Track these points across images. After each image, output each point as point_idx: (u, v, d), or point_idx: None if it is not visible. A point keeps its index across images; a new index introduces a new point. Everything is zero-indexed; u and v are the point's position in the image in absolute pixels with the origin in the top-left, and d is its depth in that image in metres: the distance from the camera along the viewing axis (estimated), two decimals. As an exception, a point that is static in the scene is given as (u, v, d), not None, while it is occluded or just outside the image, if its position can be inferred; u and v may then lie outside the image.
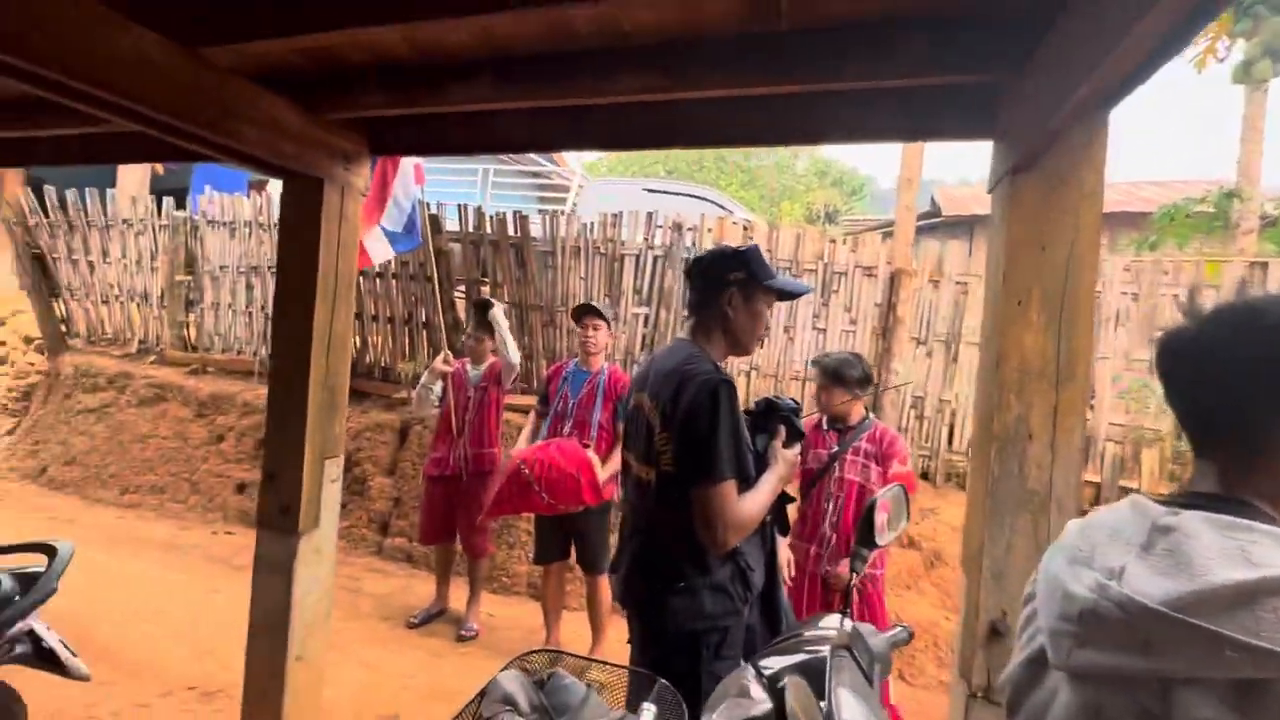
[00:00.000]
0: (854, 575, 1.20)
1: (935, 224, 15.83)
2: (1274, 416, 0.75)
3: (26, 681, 1.83)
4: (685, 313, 1.77)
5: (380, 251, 3.67)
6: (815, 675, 0.89)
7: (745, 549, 1.56)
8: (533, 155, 8.54)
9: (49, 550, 1.79)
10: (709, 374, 1.49)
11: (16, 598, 1.60)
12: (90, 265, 6.36)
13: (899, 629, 1.21)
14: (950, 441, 4.44)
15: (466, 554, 3.73)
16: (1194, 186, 6.07)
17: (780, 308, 4.67)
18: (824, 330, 4.58)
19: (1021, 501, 1.38)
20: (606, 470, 3.11)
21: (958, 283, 4.42)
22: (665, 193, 6.00)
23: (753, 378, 4.66)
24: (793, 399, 1.77)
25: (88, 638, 1.91)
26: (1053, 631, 0.82)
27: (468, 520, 3.61)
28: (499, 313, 3.61)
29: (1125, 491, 3.99)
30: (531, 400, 3.82)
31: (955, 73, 1.43)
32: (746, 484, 1.51)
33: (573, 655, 1.31)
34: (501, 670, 1.20)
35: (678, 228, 4.74)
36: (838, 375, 2.53)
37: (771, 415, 1.69)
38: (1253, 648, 0.63)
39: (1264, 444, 0.76)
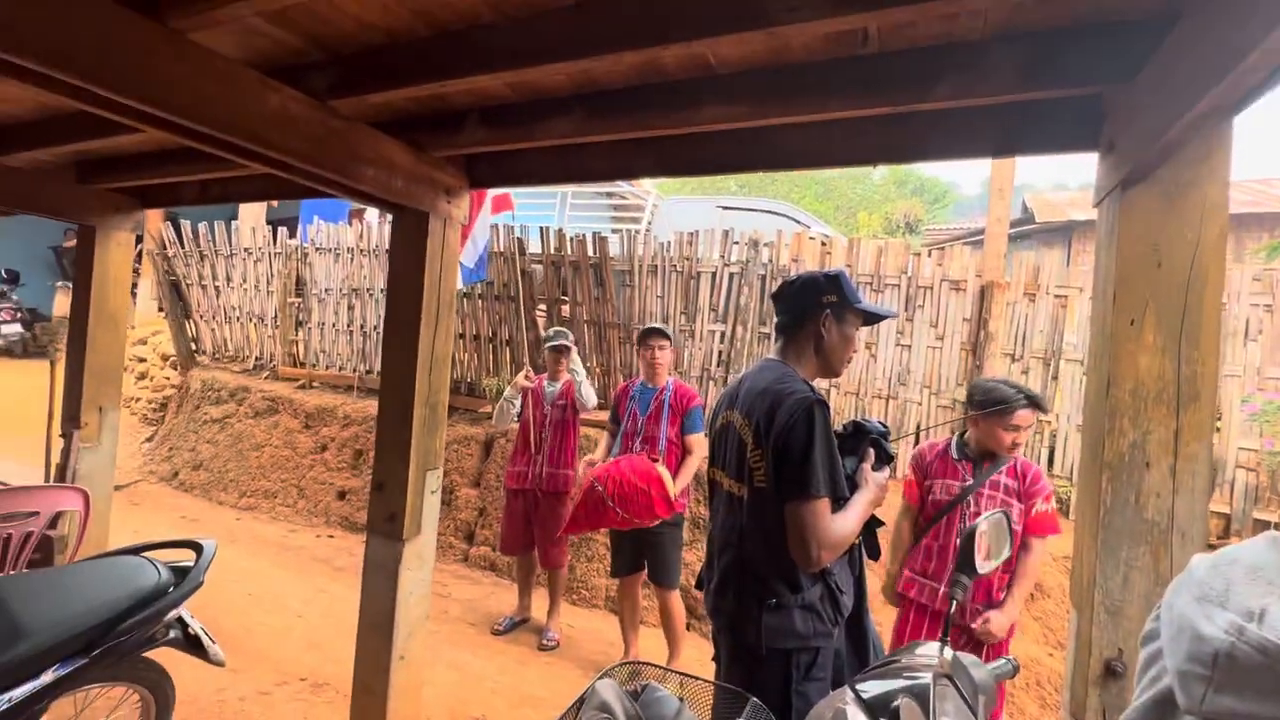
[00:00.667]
0: (954, 602, 1.17)
1: (1028, 231, 14.94)
2: None
3: (170, 664, 2.06)
4: (774, 334, 1.78)
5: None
6: (920, 702, 0.89)
7: (835, 570, 1.55)
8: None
9: (196, 547, 2.02)
10: (804, 393, 1.50)
11: (171, 589, 1.82)
12: (216, 290, 7.09)
13: (1004, 661, 1.17)
14: (1050, 464, 4.16)
15: (544, 566, 3.85)
16: None
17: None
18: (909, 347, 4.42)
19: (1139, 533, 1.30)
20: (678, 484, 3.16)
21: (1056, 295, 4.16)
22: (740, 209, 6.02)
23: (833, 395, 4.56)
24: (881, 421, 1.75)
25: (215, 627, 2.12)
26: (1182, 674, 0.78)
27: (545, 534, 3.74)
28: (575, 357, 3.83)
29: (1260, 524, 3.59)
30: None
31: (1053, 88, 1.39)
32: (839, 504, 1.51)
33: (659, 667, 1.35)
34: (598, 678, 1.25)
35: (754, 244, 4.73)
36: (1034, 401, 2.22)
37: (860, 437, 1.68)
38: None
39: None
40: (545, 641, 3.69)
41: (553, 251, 5.23)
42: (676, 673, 1.33)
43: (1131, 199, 1.35)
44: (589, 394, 3.79)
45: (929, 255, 4.49)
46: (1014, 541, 1.56)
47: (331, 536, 5.32)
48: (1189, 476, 1.27)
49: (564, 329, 4.08)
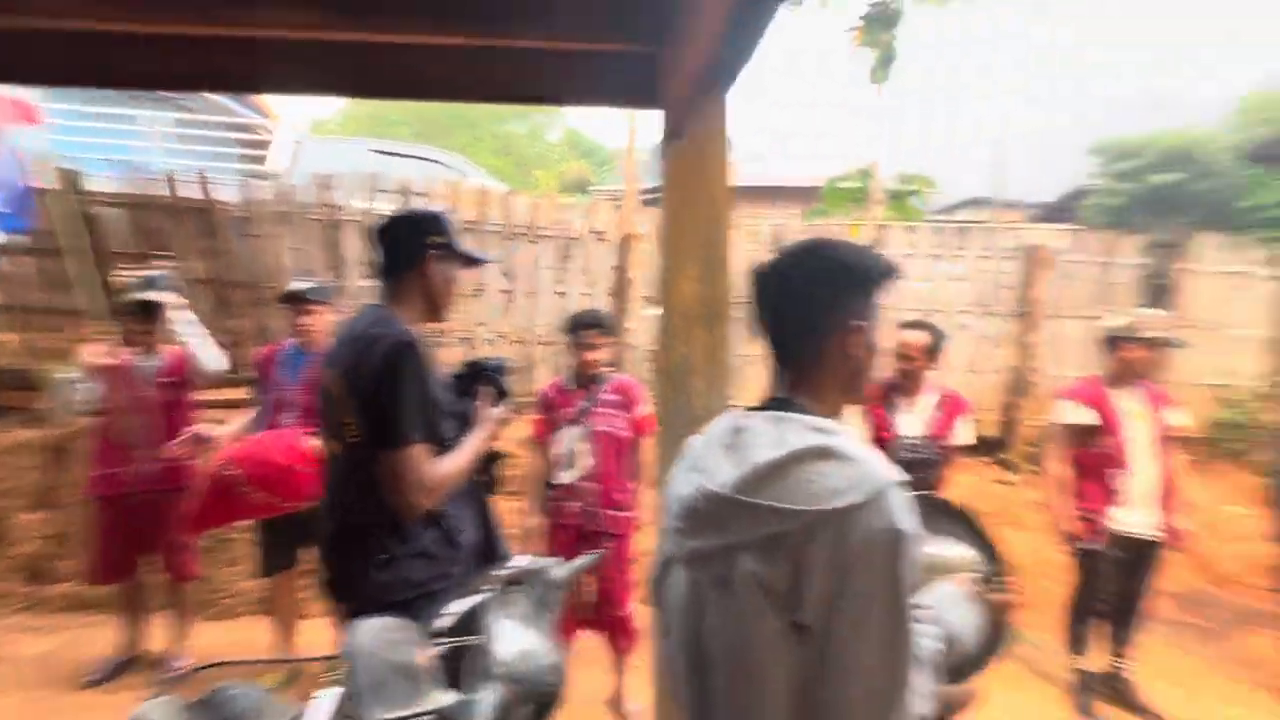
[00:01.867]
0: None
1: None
2: (817, 331, 0.94)
3: None
4: (376, 277, 1.64)
5: None
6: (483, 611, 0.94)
7: (451, 511, 1.55)
8: (231, 105, 7.14)
9: None
10: (393, 335, 1.42)
11: None
12: None
13: (590, 556, 1.32)
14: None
15: (172, 579, 3.11)
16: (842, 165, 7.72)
17: (522, 273, 4.69)
18: (564, 294, 4.72)
19: (690, 425, 1.59)
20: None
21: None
22: (394, 154, 5.53)
23: (500, 345, 4.63)
24: (500, 357, 1.79)
25: None
26: (671, 530, 0.97)
27: (168, 542, 3.01)
28: (184, 316, 3.00)
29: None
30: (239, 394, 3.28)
31: (607, 40, 1.54)
32: (442, 446, 1.49)
33: (248, 662, 1.18)
34: (145, 701, 1.02)
35: (404, 192, 4.41)
36: (596, 322, 2.58)
37: (477, 376, 1.69)
38: (778, 509, 0.80)
39: (814, 354, 0.96)
40: (171, 673, 3.00)
41: (134, 192, 4.05)
42: (268, 661, 1.18)
43: (674, 152, 1.59)
44: (212, 356, 3.03)
45: (579, 210, 4.82)
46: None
47: None
48: (720, 379, 1.60)
49: (159, 276, 3.15)
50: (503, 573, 1.06)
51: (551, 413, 2.65)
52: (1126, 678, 2.79)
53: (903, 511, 0.79)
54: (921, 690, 0.86)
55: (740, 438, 0.95)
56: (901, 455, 2.61)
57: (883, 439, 2.66)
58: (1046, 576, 3.79)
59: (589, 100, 1.84)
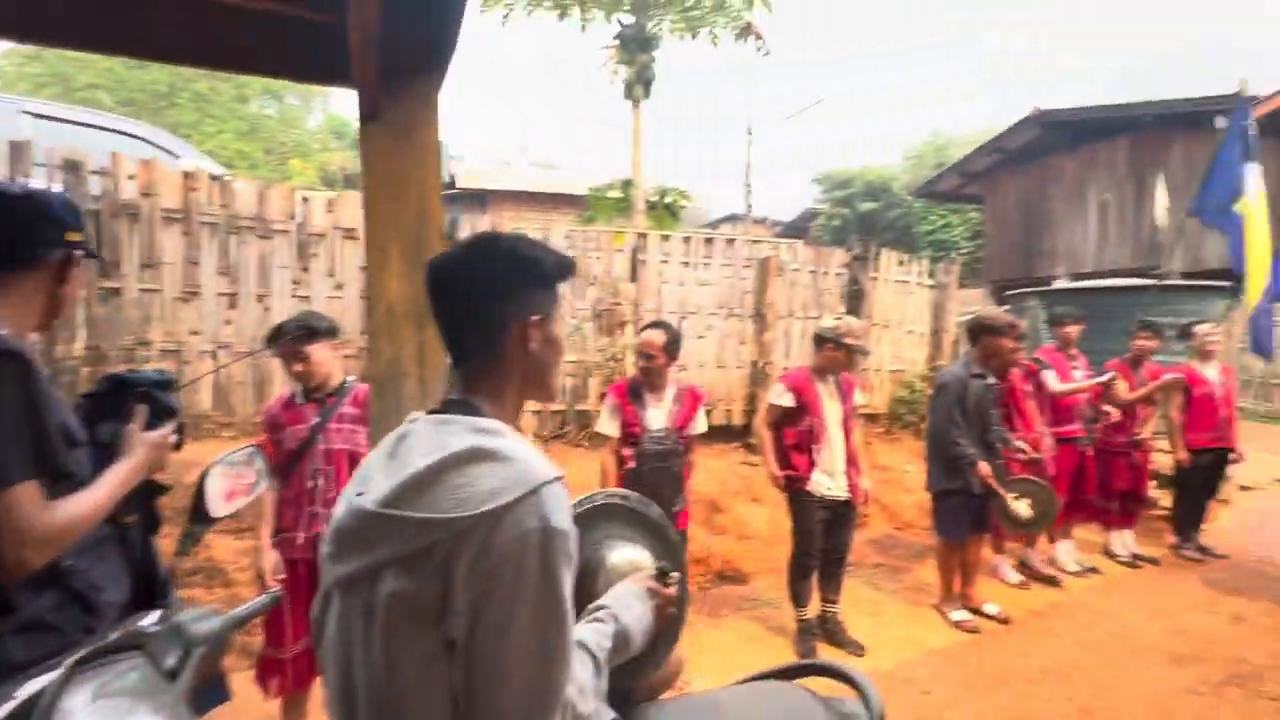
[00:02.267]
0: (182, 557, 1.05)
1: (453, 196, 16.71)
2: (491, 326, 0.90)
3: None
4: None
5: None
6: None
7: (83, 565, 1.22)
8: None
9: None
10: None
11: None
12: None
13: (263, 599, 1.12)
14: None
15: None
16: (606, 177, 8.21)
17: (249, 271, 4.03)
18: (307, 298, 4.18)
19: (403, 437, 1.48)
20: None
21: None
22: (60, 120, 4.35)
23: (220, 354, 3.93)
24: (160, 370, 1.46)
25: None
26: (324, 557, 0.86)
27: None
28: None
29: (581, 414, 5.03)
30: None
31: (288, 2, 1.36)
32: (71, 484, 1.17)
33: None
34: None
35: (73, 167, 3.50)
36: (304, 328, 2.19)
37: (122, 395, 1.36)
38: (424, 520, 0.74)
39: (489, 351, 0.91)
40: None
41: None
42: None
43: (371, 135, 1.46)
44: None
45: (322, 202, 4.30)
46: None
47: None
48: (434, 382, 1.51)
49: None
50: (110, 638, 0.84)
51: (278, 432, 2.28)
52: (836, 618, 3.31)
53: (558, 508, 0.77)
54: (586, 687, 0.86)
55: (401, 446, 0.88)
56: (649, 447, 2.78)
57: (632, 433, 2.80)
58: (782, 543, 4.36)
59: (281, 71, 1.62)
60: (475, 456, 0.78)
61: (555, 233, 5.01)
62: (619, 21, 6.62)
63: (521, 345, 0.91)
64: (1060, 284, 10.40)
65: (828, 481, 3.09)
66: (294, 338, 2.17)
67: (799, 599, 3.23)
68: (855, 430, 3.22)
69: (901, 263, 6.39)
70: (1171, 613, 3.57)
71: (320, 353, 2.20)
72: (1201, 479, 4.40)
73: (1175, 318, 5.23)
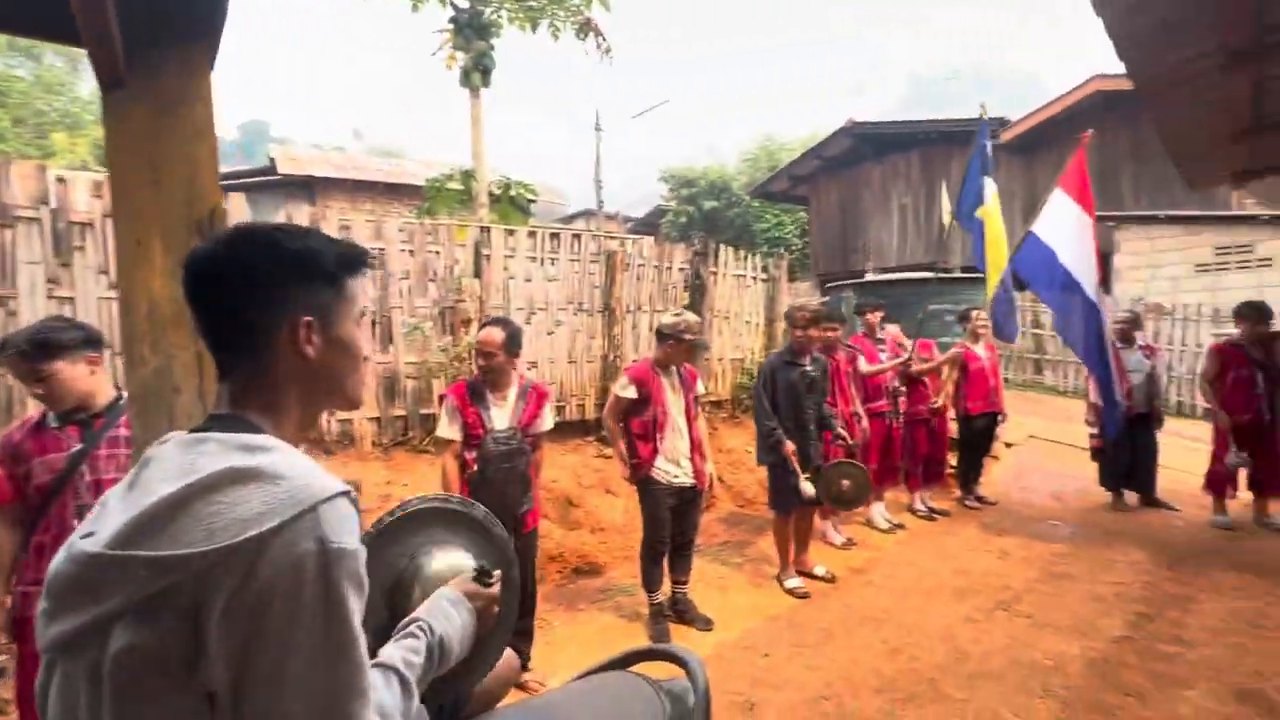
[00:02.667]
0: None
1: (273, 183, 14.94)
2: (254, 330, 0.79)
3: None
4: None
5: None
6: None
7: None
8: None
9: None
10: None
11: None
12: None
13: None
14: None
15: None
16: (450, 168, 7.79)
17: (-16, 271, 3.26)
18: (70, 299, 3.48)
19: (179, 460, 1.28)
20: None
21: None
22: None
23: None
24: None
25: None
26: (38, 618, 0.71)
27: None
28: None
29: (425, 418, 4.75)
30: None
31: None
32: None
33: None
34: None
35: None
36: (47, 346, 1.81)
37: None
38: (157, 559, 0.63)
39: (258, 359, 0.80)
40: None
41: None
42: None
43: (121, 107, 1.23)
44: None
45: (86, 183, 3.60)
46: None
47: None
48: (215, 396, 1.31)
49: None
50: None
51: (21, 465, 1.88)
52: (687, 598, 3.46)
53: (341, 527, 0.69)
54: (391, 712, 0.79)
55: (143, 473, 0.74)
56: (493, 448, 2.69)
57: (475, 435, 2.69)
58: (636, 532, 4.47)
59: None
60: (232, 479, 0.68)
61: (390, 226, 4.65)
62: (453, 5, 6.30)
63: (293, 351, 0.81)
64: (870, 277, 11.79)
65: (673, 469, 3.22)
66: (22, 353, 1.79)
67: (650, 585, 3.33)
68: (698, 418, 3.38)
69: (739, 258, 6.82)
70: (956, 555, 4.21)
71: (69, 370, 1.84)
72: (979, 439, 5.24)
73: (955, 305, 6.16)
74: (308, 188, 14.93)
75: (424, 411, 4.73)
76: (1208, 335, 8.21)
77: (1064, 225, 4.42)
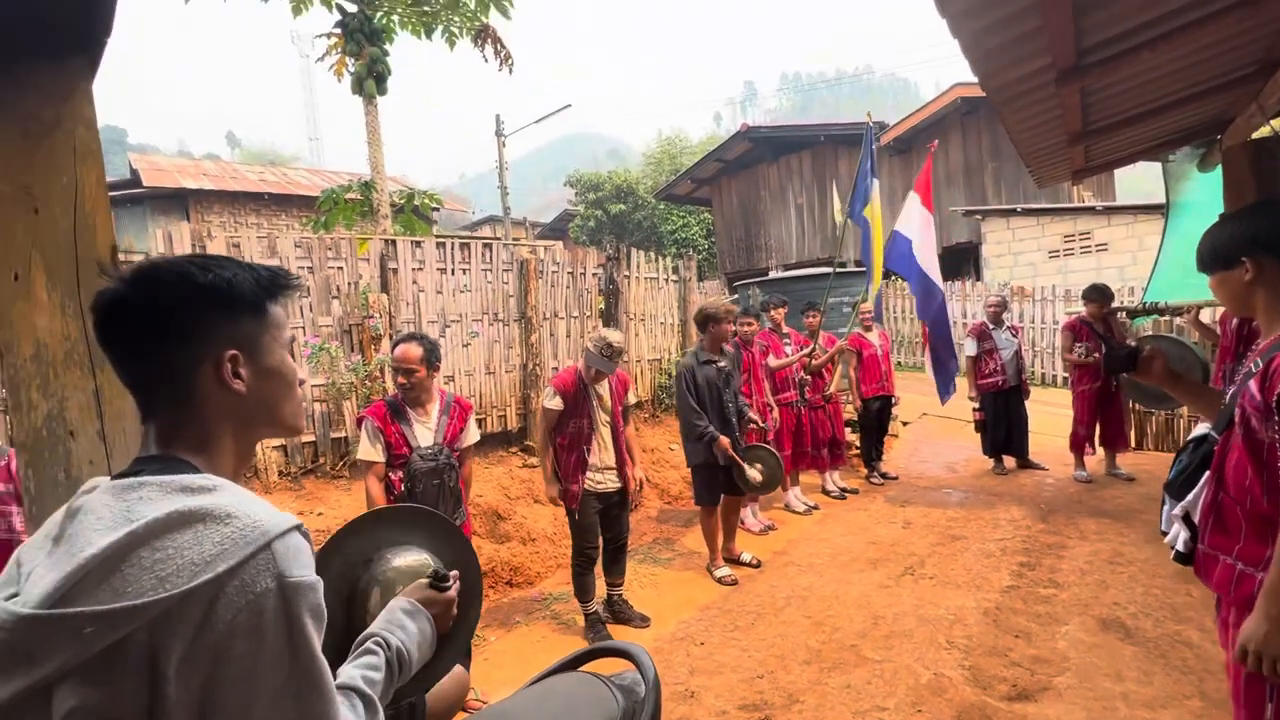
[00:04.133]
0: None
1: (140, 195, 13.57)
2: (175, 369, 0.76)
3: None
4: None
5: None
6: None
7: None
8: None
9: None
10: None
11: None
12: None
13: None
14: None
15: None
16: (344, 177, 7.41)
17: None
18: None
19: (79, 509, 1.19)
20: None
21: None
22: None
23: None
24: None
25: None
26: None
27: None
28: None
29: (337, 442, 4.53)
30: None
31: None
32: None
33: None
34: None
35: None
36: None
37: None
38: (105, 613, 0.61)
39: (183, 397, 0.77)
40: None
41: None
42: None
43: (-14, 130, 1.13)
44: None
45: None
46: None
47: None
48: (120, 435, 1.23)
49: None
50: None
51: None
52: (622, 598, 3.52)
53: (296, 559, 0.69)
54: None
55: (71, 525, 0.71)
56: (420, 466, 2.63)
57: (400, 454, 2.62)
58: (566, 539, 4.48)
59: None
60: (178, 522, 0.67)
61: (285, 241, 4.38)
62: (339, 8, 5.97)
63: (221, 388, 0.78)
64: (774, 274, 12.38)
65: (598, 476, 3.26)
66: None
67: (583, 594, 3.36)
68: (629, 424, 3.44)
69: (650, 261, 6.98)
70: (867, 528, 4.55)
71: None
72: (876, 421, 5.67)
73: (849, 297, 6.62)
74: (179, 200, 13.66)
75: (334, 435, 4.50)
76: (1061, 314, 9.30)
77: (915, 222, 5.08)
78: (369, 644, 0.93)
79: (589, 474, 3.23)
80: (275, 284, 0.85)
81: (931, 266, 5.08)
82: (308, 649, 0.68)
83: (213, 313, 0.78)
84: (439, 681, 1.17)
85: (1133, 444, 5.86)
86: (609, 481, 3.29)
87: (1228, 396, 1.43)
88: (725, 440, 3.70)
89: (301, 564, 0.70)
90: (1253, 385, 1.27)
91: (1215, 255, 1.43)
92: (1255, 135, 3.87)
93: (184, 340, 0.77)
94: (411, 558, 1.12)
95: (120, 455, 1.22)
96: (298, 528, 0.73)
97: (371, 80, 5.90)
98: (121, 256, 3.49)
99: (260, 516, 0.70)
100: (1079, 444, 5.21)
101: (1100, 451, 5.26)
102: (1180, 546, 1.47)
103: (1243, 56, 3.15)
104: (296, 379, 0.88)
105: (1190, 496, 1.45)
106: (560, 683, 1.31)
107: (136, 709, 0.61)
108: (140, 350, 0.77)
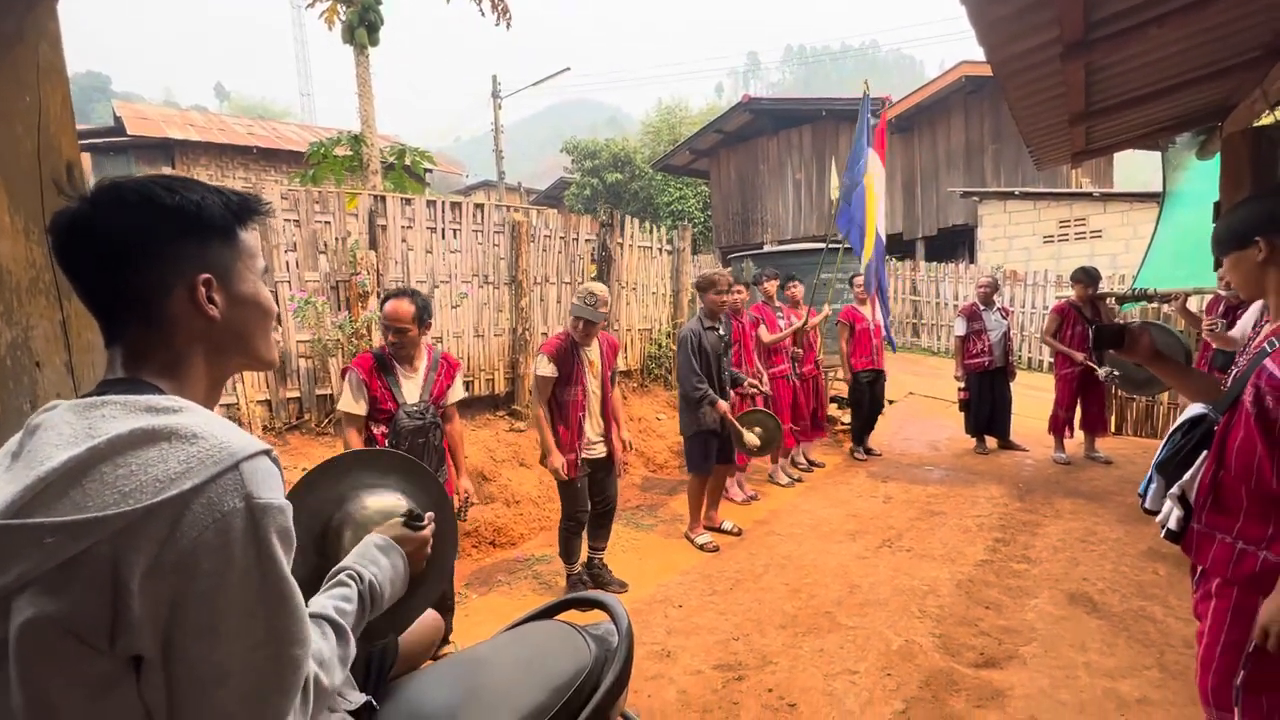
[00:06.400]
0: None
1: (124, 145, 13.22)
2: (144, 293, 0.74)
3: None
4: None
5: None
6: None
7: None
8: None
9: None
10: None
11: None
12: None
13: None
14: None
15: None
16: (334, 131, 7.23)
17: None
18: None
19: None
20: None
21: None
22: None
23: None
24: None
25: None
26: None
27: None
28: None
29: (322, 399, 4.50)
30: None
31: None
32: None
33: None
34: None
35: None
36: None
37: None
38: (66, 524, 0.60)
39: (152, 321, 0.75)
40: None
41: None
42: None
43: (-59, 40, 1.07)
44: None
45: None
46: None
47: None
48: (89, 368, 1.20)
49: None
50: None
51: None
52: (602, 563, 3.56)
53: (263, 481, 0.68)
54: (328, 660, 0.80)
55: (30, 442, 0.69)
56: (406, 423, 2.61)
57: (385, 410, 2.60)
58: (551, 502, 4.51)
59: None
60: (143, 439, 0.65)
61: (272, 193, 4.28)
62: (331, -49, 5.78)
63: (194, 312, 0.76)
64: (768, 248, 12.30)
65: (589, 439, 3.27)
66: None
67: (569, 556, 3.39)
68: (615, 389, 3.44)
69: (644, 230, 6.90)
70: (848, 501, 4.61)
71: None
72: (868, 395, 5.70)
73: (844, 272, 6.60)
74: (165, 150, 13.30)
75: (320, 393, 4.47)
76: (1052, 299, 9.34)
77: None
78: (341, 576, 0.93)
79: (581, 439, 3.22)
80: (245, 208, 0.82)
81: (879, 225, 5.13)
82: (276, 569, 0.67)
83: (181, 235, 0.76)
84: (411, 625, 1.17)
85: (1112, 429, 5.95)
86: (596, 449, 3.30)
87: (1230, 378, 1.44)
88: (724, 404, 3.71)
89: (270, 487, 0.69)
90: (1270, 364, 1.27)
91: (1231, 234, 1.43)
92: (1258, 123, 3.85)
93: (152, 263, 0.74)
94: (387, 499, 1.12)
95: (89, 388, 1.19)
96: (267, 452, 0.72)
97: (363, 29, 5.71)
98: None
99: (229, 438, 0.69)
100: (1059, 426, 5.28)
101: (1080, 435, 5.33)
102: (1173, 525, 1.49)
103: (1249, 40, 3.11)
104: (273, 311, 0.86)
105: (1187, 476, 1.46)
106: (533, 630, 1.32)
107: (97, 623, 0.61)
108: (104, 273, 0.74)
